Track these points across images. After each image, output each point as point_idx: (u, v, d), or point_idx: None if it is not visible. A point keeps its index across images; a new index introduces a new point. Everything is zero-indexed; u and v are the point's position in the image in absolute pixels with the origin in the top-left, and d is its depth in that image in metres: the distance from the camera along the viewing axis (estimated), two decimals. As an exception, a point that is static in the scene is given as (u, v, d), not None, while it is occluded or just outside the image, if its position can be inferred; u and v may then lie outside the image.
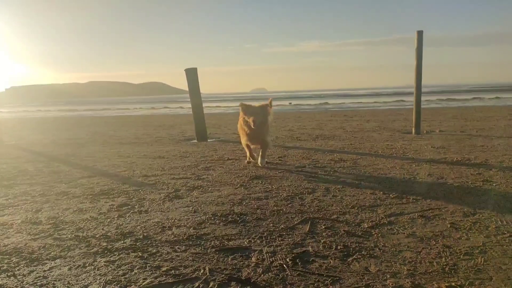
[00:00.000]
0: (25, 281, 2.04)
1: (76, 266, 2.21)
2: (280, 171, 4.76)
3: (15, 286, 2.00)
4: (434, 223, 2.76)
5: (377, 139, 7.69)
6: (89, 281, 2.03)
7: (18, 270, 2.19)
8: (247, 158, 5.44)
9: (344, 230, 2.65)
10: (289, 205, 3.29)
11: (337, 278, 1.98)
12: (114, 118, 21.36)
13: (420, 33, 7.92)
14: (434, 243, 2.40)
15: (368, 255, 2.24)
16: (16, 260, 2.32)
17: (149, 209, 3.35)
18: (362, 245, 2.39)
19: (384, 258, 2.19)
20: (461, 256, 2.19)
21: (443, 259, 2.16)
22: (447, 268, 2.05)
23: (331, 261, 2.18)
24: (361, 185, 3.91)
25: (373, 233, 2.60)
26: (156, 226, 2.88)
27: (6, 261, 2.31)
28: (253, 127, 4.68)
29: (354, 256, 2.23)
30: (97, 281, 2.02)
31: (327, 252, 2.30)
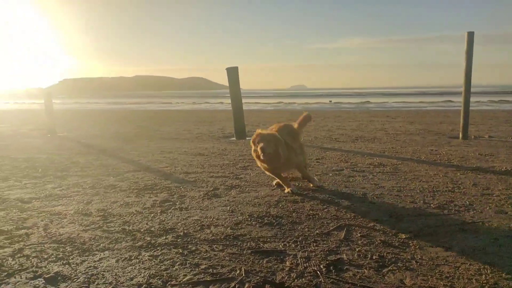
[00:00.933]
0: (78, 270, 2.24)
1: (122, 259, 2.38)
2: (317, 174, 4.77)
3: (70, 273, 2.20)
4: (475, 237, 2.66)
5: (421, 143, 7.44)
6: (134, 274, 2.18)
7: (72, 259, 2.40)
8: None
9: (380, 240, 2.63)
10: (325, 210, 3.31)
11: (371, 288, 1.99)
12: (157, 113, 22.17)
13: (470, 35, 7.53)
14: (475, 258, 2.33)
15: (404, 267, 2.22)
16: (70, 249, 2.54)
17: (189, 207, 3.50)
18: (399, 256, 2.38)
19: (421, 272, 2.17)
20: (503, 275, 2.12)
21: (483, 276, 2.10)
22: (486, 287, 1.99)
23: (366, 271, 2.19)
24: (400, 193, 3.83)
25: (411, 244, 2.56)
26: (195, 224, 3.01)
27: (61, 249, 2.54)
28: (262, 157, 3.72)
29: (389, 268, 2.22)
30: (142, 274, 2.17)
31: (362, 262, 2.31)
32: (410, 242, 2.60)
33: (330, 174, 4.72)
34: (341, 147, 7.02)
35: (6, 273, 2.21)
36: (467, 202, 3.48)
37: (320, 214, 3.21)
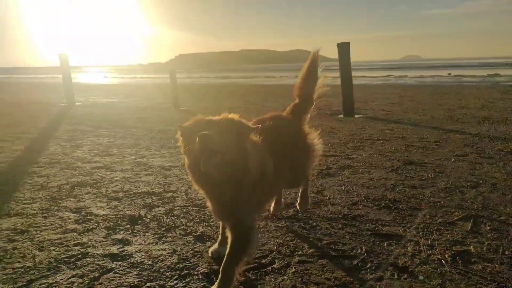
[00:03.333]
0: (218, 232, 2.64)
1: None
2: (436, 158, 4.52)
3: (212, 234, 2.61)
4: None
5: None
6: (265, 241, 2.49)
7: (211, 222, 2.83)
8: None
9: (514, 236, 2.47)
10: (448, 198, 3.18)
11: (503, 284, 1.93)
12: (263, 87, 22.90)
13: None
14: None
15: (543, 268, 2.08)
16: (209, 213, 2.99)
17: (305, 184, 3.71)
18: (537, 255, 2.21)
19: None
20: None
21: None
22: None
23: (497, 265, 2.11)
24: (539, 185, 3.43)
25: (553, 244, 2.35)
26: (313, 201, 3.21)
27: (202, 213, 3.00)
28: (202, 169, 1.79)
29: (525, 266, 2.10)
30: (271, 242, 2.47)
31: (492, 256, 2.22)
32: (552, 242, 2.38)
33: (453, 160, 4.43)
34: (464, 129, 6.42)
35: (164, 228, 2.74)
36: None
37: (442, 202, 3.10)
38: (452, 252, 2.26)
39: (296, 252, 2.33)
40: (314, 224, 2.75)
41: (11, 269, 2.22)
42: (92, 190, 3.61)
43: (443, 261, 2.16)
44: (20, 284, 2.06)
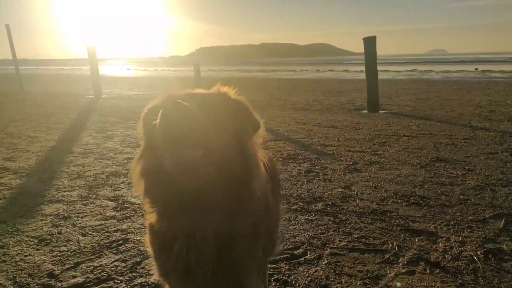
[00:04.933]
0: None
1: (284, 219, 2.80)
2: (465, 156, 4.46)
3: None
4: None
5: None
6: (296, 233, 2.56)
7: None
8: None
9: (548, 235, 2.45)
10: (478, 196, 3.16)
11: (537, 283, 1.94)
12: (284, 81, 22.84)
13: None
14: None
15: None
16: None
17: (332, 178, 3.76)
18: None
19: None
20: None
21: None
22: None
23: (530, 265, 2.11)
24: None
25: None
26: (341, 195, 3.25)
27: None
28: (169, 167, 1.02)
29: (560, 266, 2.10)
30: (302, 234, 2.54)
31: (526, 255, 2.22)
32: None
33: (482, 157, 4.36)
34: (493, 127, 6.28)
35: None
36: None
37: (472, 199, 3.09)
38: (484, 249, 2.28)
39: (327, 245, 2.39)
40: (344, 218, 2.80)
41: (58, 252, 2.37)
42: (127, 180, 3.76)
43: (475, 257, 2.18)
44: (68, 266, 2.20)
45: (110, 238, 2.52)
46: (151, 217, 1.15)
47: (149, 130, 1.12)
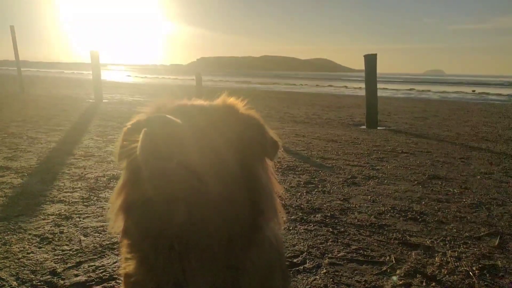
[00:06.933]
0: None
1: (283, 228, 2.83)
2: (462, 174, 4.53)
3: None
4: None
5: None
6: (295, 242, 2.60)
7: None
8: None
9: (542, 254, 2.51)
10: (474, 214, 3.22)
11: (531, 300, 1.98)
12: (284, 94, 23.05)
13: None
14: None
15: None
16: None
17: (331, 191, 3.81)
18: None
19: None
20: None
21: None
22: None
23: (524, 282, 2.16)
24: None
25: None
26: (339, 208, 3.30)
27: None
28: (147, 183, 0.82)
29: (553, 284, 2.15)
30: (301, 244, 2.58)
31: (520, 272, 2.27)
32: None
33: (478, 177, 4.44)
34: (489, 148, 6.38)
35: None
36: None
37: (468, 217, 3.15)
38: (480, 265, 2.32)
39: (326, 255, 2.43)
40: (342, 229, 2.84)
41: (60, 251, 2.39)
42: (128, 184, 3.79)
43: (470, 273, 2.23)
44: (70, 265, 2.23)
45: (112, 239, 2.55)
46: (127, 265, 0.95)
47: (130, 154, 0.89)
